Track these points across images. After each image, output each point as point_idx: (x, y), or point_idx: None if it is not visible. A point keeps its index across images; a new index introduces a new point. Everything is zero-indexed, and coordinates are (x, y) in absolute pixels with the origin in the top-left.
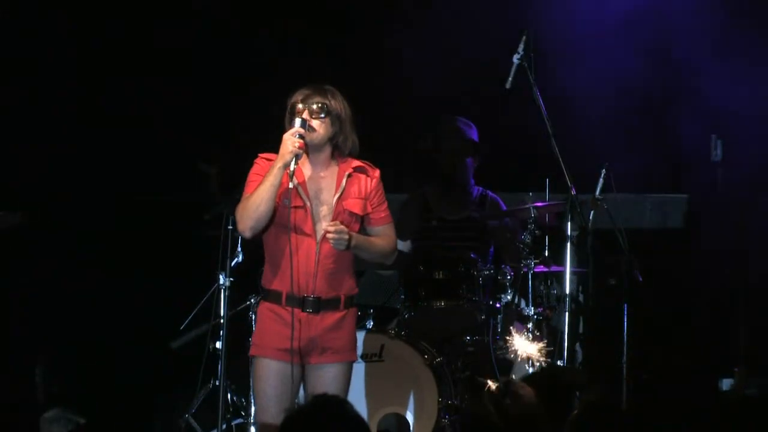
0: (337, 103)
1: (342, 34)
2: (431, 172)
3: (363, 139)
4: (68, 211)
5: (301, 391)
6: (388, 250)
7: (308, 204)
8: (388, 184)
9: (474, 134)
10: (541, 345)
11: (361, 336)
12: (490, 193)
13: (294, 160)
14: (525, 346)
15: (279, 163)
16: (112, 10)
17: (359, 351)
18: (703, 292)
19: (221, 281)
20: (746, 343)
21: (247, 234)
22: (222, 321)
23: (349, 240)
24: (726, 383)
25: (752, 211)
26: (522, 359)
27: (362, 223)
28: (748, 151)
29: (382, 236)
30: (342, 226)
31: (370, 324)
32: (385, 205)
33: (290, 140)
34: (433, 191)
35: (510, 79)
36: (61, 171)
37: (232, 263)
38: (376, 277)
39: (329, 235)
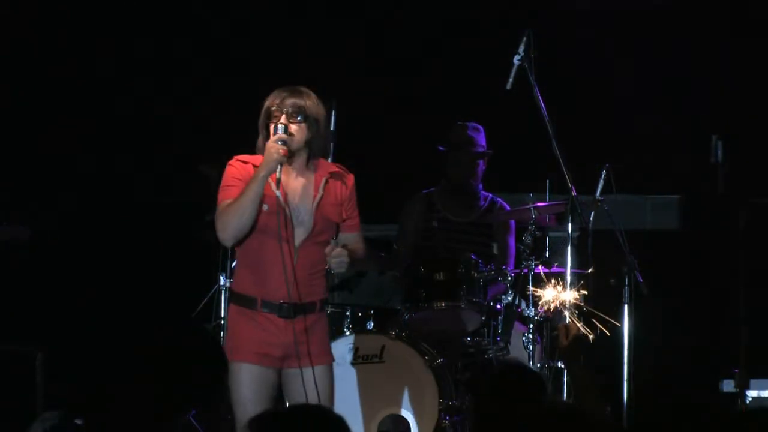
0: (314, 106)
1: (346, 35)
2: (440, 176)
3: (367, 140)
4: (68, 213)
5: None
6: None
7: (286, 210)
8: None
9: (482, 139)
10: (574, 291)
11: (361, 337)
12: (499, 200)
13: (279, 168)
14: (558, 295)
15: (263, 172)
16: (112, 11)
17: (360, 352)
18: (703, 292)
19: (221, 282)
20: (746, 344)
21: (229, 243)
22: (222, 322)
23: (350, 258)
24: (727, 385)
25: (752, 212)
26: (555, 309)
27: (336, 229)
28: (748, 151)
29: (356, 244)
30: (340, 249)
31: (370, 325)
32: (357, 212)
33: (274, 147)
34: (441, 194)
35: (510, 80)
36: (61, 173)
37: (233, 264)
38: (377, 278)
39: (332, 261)
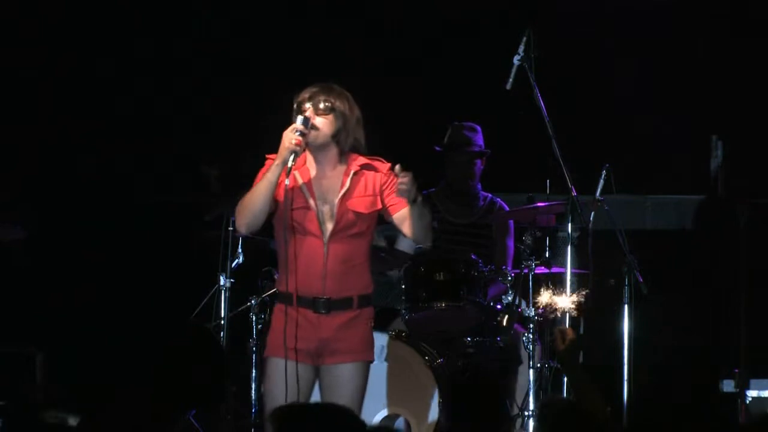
0: (343, 102)
1: (346, 35)
2: (440, 176)
3: (367, 140)
4: (68, 213)
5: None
6: (431, 224)
7: (313, 204)
8: None
9: (480, 139)
10: (574, 297)
11: None
12: (498, 200)
13: (292, 157)
14: (556, 301)
15: (277, 161)
16: (112, 11)
17: None
18: (703, 292)
19: (222, 282)
20: (746, 344)
21: (243, 230)
22: (222, 322)
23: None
24: (727, 385)
25: (752, 212)
26: (554, 315)
27: (370, 221)
28: (748, 151)
29: None
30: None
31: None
32: None
33: (288, 137)
34: (441, 195)
35: (510, 80)
36: (61, 172)
37: (233, 264)
38: (377, 278)
39: (401, 184)
